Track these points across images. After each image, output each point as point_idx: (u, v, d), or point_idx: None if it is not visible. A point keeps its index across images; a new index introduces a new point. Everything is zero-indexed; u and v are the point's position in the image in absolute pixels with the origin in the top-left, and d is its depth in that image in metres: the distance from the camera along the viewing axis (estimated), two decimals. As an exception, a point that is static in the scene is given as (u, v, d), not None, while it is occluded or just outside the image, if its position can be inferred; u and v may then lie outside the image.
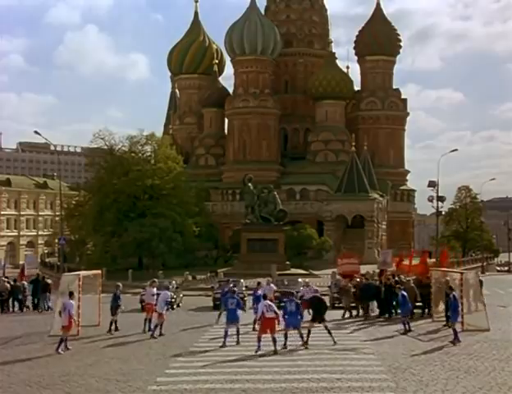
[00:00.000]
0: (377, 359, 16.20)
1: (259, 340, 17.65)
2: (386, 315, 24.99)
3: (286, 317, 18.47)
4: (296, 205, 67.96)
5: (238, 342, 18.67)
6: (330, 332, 18.77)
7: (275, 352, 17.20)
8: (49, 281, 30.16)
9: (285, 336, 18.14)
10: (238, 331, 18.98)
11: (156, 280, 25.41)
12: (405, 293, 21.97)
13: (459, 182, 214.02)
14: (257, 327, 19.56)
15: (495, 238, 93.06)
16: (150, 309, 21.73)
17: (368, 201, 64.28)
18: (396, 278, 26.28)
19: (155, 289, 22.50)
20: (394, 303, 24.59)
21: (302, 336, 18.25)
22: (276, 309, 18.46)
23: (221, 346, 18.30)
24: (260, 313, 18.11)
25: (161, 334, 20.51)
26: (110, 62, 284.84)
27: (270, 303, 18.72)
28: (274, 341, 17.46)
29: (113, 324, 21.47)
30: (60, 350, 17.72)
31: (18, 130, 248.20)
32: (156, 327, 20.62)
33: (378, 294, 25.46)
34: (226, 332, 18.77)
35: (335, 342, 18.41)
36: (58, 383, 13.93)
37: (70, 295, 19.16)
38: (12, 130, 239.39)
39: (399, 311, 23.49)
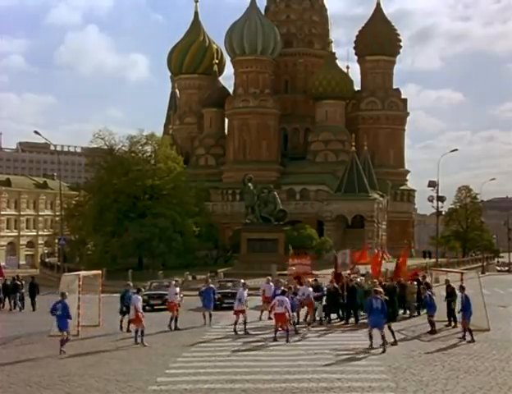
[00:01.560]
0: (377, 359, 16.18)
1: (276, 330, 19.17)
2: (352, 320, 23.28)
3: (371, 314, 17.86)
4: (296, 205, 67.96)
5: (384, 351, 17.10)
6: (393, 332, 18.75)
7: (287, 341, 18.79)
8: (19, 282, 31.17)
9: (370, 336, 17.66)
10: (383, 337, 17.43)
11: (178, 279, 25.85)
12: (431, 293, 21.88)
13: (459, 182, 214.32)
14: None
15: (495, 238, 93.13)
16: (173, 308, 22.44)
17: (368, 201, 64.27)
18: (356, 280, 24.59)
19: (178, 288, 23.37)
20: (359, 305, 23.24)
21: (384, 338, 17.48)
22: (288, 305, 19.15)
23: (371, 348, 17.37)
24: (271, 306, 19.77)
25: (246, 332, 20.91)
26: (110, 62, 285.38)
27: (284, 298, 19.29)
28: (287, 331, 19.08)
29: (122, 323, 21.90)
30: (145, 343, 18.69)
31: (18, 130, 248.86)
32: (245, 323, 21.19)
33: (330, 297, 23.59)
34: (370, 336, 17.70)
35: (396, 342, 18.31)
36: (58, 383, 13.91)
37: (138, 291, 20.05)
38: (12, 130, 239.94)
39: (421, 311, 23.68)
